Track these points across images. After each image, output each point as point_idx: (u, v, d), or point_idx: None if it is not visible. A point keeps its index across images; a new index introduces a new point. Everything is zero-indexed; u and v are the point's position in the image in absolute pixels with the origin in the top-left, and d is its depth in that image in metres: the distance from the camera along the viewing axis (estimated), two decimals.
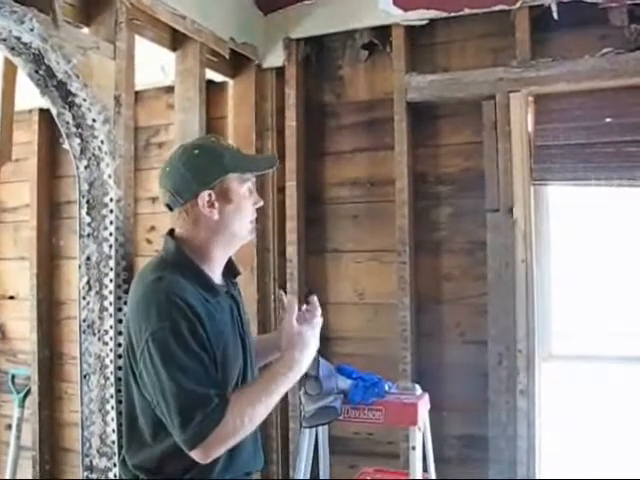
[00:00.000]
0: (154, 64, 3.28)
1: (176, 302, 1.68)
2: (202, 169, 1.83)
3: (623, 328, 3.03)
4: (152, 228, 3.73)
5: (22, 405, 4.11)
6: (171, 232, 1.92)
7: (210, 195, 1.82)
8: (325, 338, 3.33)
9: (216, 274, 1.91)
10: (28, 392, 4.10)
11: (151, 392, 1.70)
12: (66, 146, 2.46)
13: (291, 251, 3.37)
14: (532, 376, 2.97)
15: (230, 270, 2.00)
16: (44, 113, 3.98)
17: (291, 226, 3.37)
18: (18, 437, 4.08)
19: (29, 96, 2.91)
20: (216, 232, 1.86)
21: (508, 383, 2.98)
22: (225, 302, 1.88)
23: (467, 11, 3.09)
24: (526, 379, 2.97)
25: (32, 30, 2.10)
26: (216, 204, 1.83)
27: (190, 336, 1.66)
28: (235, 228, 1.88)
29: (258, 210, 1.98)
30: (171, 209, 1.88)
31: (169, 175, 1.85)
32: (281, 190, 3.44)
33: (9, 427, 4.15)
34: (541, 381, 3.03)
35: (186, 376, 1.64)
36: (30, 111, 4.09)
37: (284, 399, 3.32)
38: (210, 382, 1.66)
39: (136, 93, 2.81)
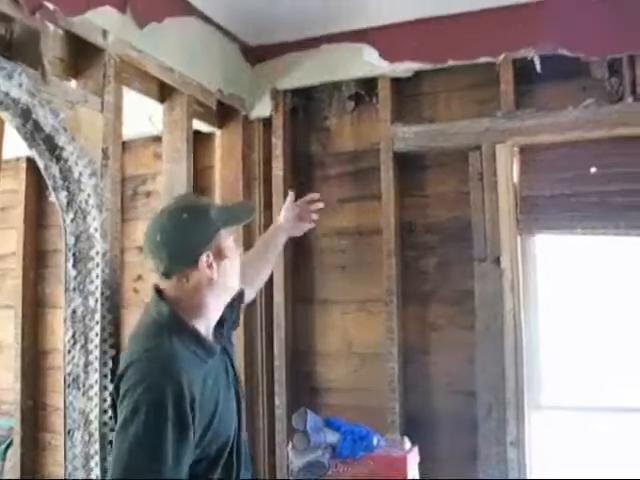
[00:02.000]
0: (141, 114, 3.29)
1: (168, 378, 1.65)
2: (196, 232, 1.80)
3: (612, 378, 3.01)
4: (139, 277, 3.71)
5: (3, 457, 4.04)
6: (158, 292, 1.86)
7: (209, 256, 1.80)
8: (312, 389, 3.35)
9: (210, 330, 1.89)
10: (10, 444, 4.03)
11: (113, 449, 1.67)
12: (53, 199, 2.45)
13: (278, 300, 3.36)
14: (522, 427, 2.95)
15: (219, 322, 1.97)
16: (32, 162, 3.97)
17: (278, 275, 3.35)
18: None
19: (17, 144, 2.91)
20: (213, 290, 1.83)
21: (498, 434, 2.96)
22: (220, 360, 1.88)
23: (452, 63, 3.12)
24: (516, 430, 2.95)
25: (21, 85, 2.11)
26: (214, 264, 1.81)
27: (173, 418, 1.61)
28: (230, 282, 1.89)
29: None
30: (167, 277, 1.82)
31: (162, 243, 1.78)
32: None
33: None
34: (531, 432, 3.01)
35: (148, 457, 1.59)
36: (18, 159, 4.10)
37: (272, 453, 3.29)
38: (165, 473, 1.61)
39: (123, 143, 2.81)
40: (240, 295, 2.06)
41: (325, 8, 3.10)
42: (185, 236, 1.79)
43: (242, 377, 2.86)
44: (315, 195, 2.64)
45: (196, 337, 1.79)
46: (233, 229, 1.92)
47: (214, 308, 1.88)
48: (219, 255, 1.83)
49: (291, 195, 2.59)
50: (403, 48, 3.19)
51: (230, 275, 1.87)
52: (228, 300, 1.94)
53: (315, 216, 2.62)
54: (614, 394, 2.99)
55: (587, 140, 2.95)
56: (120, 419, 1.65)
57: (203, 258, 1.79)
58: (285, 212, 2.58)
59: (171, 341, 1.73)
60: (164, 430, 1.60)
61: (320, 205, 2.61)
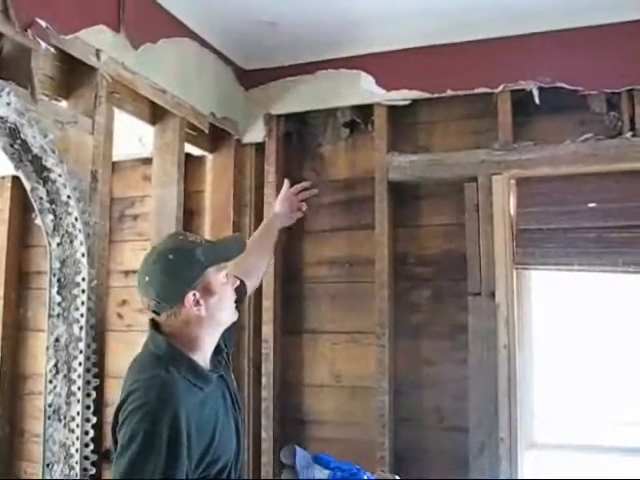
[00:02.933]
0: (131, 135, 3.23)
1: (164, 406, 1.72)
2: (181, 272, 1.86)
3: (608, 416, 2.97)
4: (124, 302, 3.63)
5: None
6: (155, 325, 1.93)
7: (195, 295, 1.86)
8: (301, 421, 3.27)
9: (207, 360, 1.96)
10: None
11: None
12: (38, 222, 2.37)
13: (267, 331, 3.28)
14: (515, 465, 2.88)
15: (215, 349, 2.03)
16: (17, 180, 3.89)
17: (267, 305, 3.28)
18: None
19: (2, 163, 2.84)
20: (203, 326, 1.91)
21: (490, 472, 2.89)
22: (217, 387, 1.96)
23: (450, 92, 3.09)
24: (508, 468, 2.87)
25: (9, 104, 2.04)
26: (201, 301, 1.87)
27: (167, 446, 1.68)
28: (222, 316, 1.95)
29: None
30: (158, 314, 1.90)
31: (150, 284, 1.86)
32: None
33: None
34: (524, 470, 2.94)
35: None
36: (3, 177, 4.02)
37: None
38: None
39: (112, 164, 2.74)
40: (240, 292, 2.18)
41: (322, 34, 3.08)
42: (171, 277, 1.86)
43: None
44: (306, 183, 2.95)
45: (193, 368, 1.87)
46: (222, 265, 1.95)
47: (207, 341, 1.95)
48: (207, 292, 1.89)
49: (286, 184, 2.86)
50: (400, 76, 3.15)
51: (221, 309, 1.94)
52: (222, 331, 2.00)
53: (305, 206, 2.93)
54: (610, 432, 2.95)
55: (585, 174, 2.92)
56: (118, 447, 1.73)
57: (189, 297, 1.85)
58: (280, 202, 2.84)
59: (168, 371, 1.81)
60: (158, 459, 1.67)
61: (314, 191, 2.96)
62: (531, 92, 2.98)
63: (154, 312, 1.90)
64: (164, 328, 1.91)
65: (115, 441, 1.81)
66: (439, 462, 3.05)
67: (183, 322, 1.88)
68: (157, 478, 1.65)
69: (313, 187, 3.04)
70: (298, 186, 2.92)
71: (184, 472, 1.72)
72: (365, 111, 3.28)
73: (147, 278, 1.87)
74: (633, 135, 2.86)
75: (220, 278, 1.92)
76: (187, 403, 1.77)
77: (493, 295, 2.94)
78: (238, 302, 2.08)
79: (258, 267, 2.65)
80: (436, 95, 3.11)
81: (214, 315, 1.91)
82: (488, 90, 3.03)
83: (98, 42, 2.42)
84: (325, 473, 2.50)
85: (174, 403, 1.73)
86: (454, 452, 3.01)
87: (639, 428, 2.93)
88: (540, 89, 2.97)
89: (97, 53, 2.41)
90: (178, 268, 1.86)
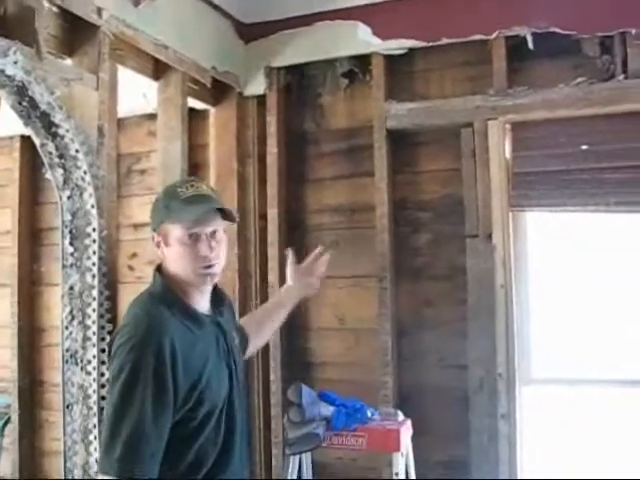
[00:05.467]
0: (136, 91, 3.30)
1: (151, 339, 1.79)
2: (154, 213, 1.99)
3: (602, 351, 3.06)
4: (134, 255, 3.75)
5: (1, 434, 4.08)
6: (158, 267, 2.01)
7: (154, 237, 1.97)
8: (307, 363, 3.39)
9: (201, 305, 2.00)
10: (8, 420, 4.07)
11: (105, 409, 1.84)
12: (49, 176, 2.47)
13: (272, 277, 3.39)
14: (513, 400, 3.00)
15: (217, 299, 2.08)
16: (26, 140, 3.99)
17: (272, 252, 3.39)
18: None
19: (10, 123, 2.93)
20: (172, 271, 1.96)
21: (489, 407, 3.01)
22: (211, 332, 1.98)
23: (445, 40, 3.14)
24: (507, 403, 2.99)
25: (16, 63, 2.12)
26: (161, 245, 1.96)
27: (153, 377, 1.76)
28: (179, 271, 1.95)
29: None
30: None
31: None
32: (263, 216, 3.46)
33: None
34: (522, 405, 3.06)
35: (129, 414, 1.73)
36: (11, 138, 4.10)
37: (267, 427, 3.34)
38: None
39: (118, 121, 2.82)
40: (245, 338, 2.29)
41: None
42: (151, 212, 2.01)
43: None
44: (316, 251, 2.55)
45: (184, 308, 1.93)
46: (189, 226, 1.92)
47: (187, 287, 1.96)
48: (164, 241, 1.96)
49: (290, 255, 2.54)
50: (396, 25, 3.20)
51: (176, 264, 1.95)
52: (196, 287, 1.98)
53: (323, 268, 2.55)
54: (605, 367, 3.04)
55: (579, 117, 2.98)
56: (110, 379, 1.82)
57: (154, 236, 1.97)
58: (290, 272, 2.55)
59: (159, 308, 1.88)
60: (145, 388, 1.75)
61: (326, 257, 2.53)
62: (525, 38, 3.02)
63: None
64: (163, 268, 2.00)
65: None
66: (440, 398, 3.18)
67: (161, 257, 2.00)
68: (145, 407, 1.73)
69: (314, 137, 3.10)
70: (309, 259, 2.56)
71: (171, 401, 1.79)
72: (363, 61, 3.34)
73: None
74: (625, 77, 2.91)
75: (179, 235, 1.92)
76: (175, 338, 1.82)
77: (490, 237, 3.04)
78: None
79: (263, 335, 2.54)
80: (432, 43, 3.17)
81: (170, 265, 1.96)
82: (483, 37, 3.08)
83: (100, 0, 2.49)
84: (330, 409, 2.62)
85: (159, 336, 1.79)
86: (454, 389, 3.13)
87: (634, 362, 3.02)
88: (534, 34, 3.01)
89: (99, 11, 2.48)
90: (154, 208, 1.99)
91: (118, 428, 1.73)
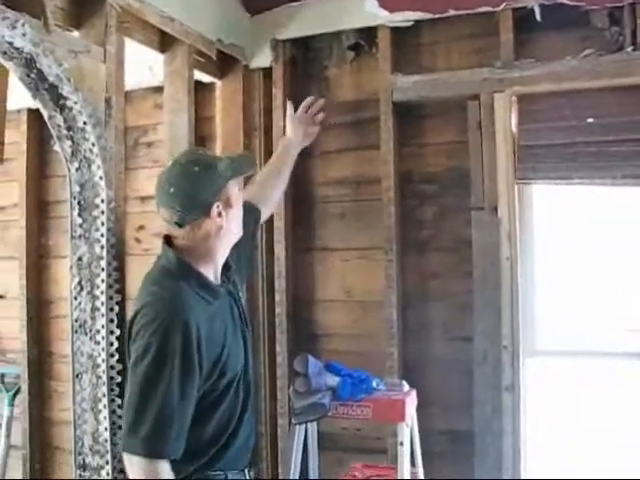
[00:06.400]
0: (142, 64, 3.30)
1: (176, 320, 1.79)
2: (207, 184, 1.92)
3: (607, 323, 3.08)
4: (141, 227, 3.77)
5: (12, 404, 4.14)
6: (167, 241, 2.00)
7: (218, 206, 1.93)
8: (313, 335, 3.42)
9: (217, 276, 2.03)
10: (18, 391, 4.12)
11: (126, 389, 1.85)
12: (57, 148, 2.48)
13: (279, 249, 3.41)
14: (517, 372, 3.02)
15: (225, 265, 2.10)
16: (33, 113, 4.00)
17: (279, 224, 3.40)
18: (8, 436, 4.11)
19: (18, 96, 2.93)
20: (221, 237, 1.98)
21: (493, 379, 3.03)
22: (226, 302, 2.03)
23: (452, 12, 3.12)
24: (511, 375, 3.01)
25: (24, 35, 2.13)
26: (223, 213, 1.95)
27: (179, 358, 1.77)
28: (236, 229, 2.03)
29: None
30: (180, 226, 1.95)
31: (175, 195, 1.91)
32: None
33: None
34: (526, 377, 3.07)
35: (157, 394, 1.75)
36: (19, 111, 4.10)
37: (273, 398, 3.38)
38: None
39: (125, 93, 2.83)
40: (256, 220, 2.40)
41: None
42: (197, 188, 1.91)
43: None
44: (309, 99, 3.01)
45: (202, 281, 1.94)
46: (238, 179, 2.04)
47: (221, 253, 2.03)
48: (227, 204, 1.96)
49: (290, 106, 2.86)
50: None
51: (236, 222, 2.02)
52: (233, 244, 2.07)
53: (320, 116, 2.99)
54: (609, 339, 3.06)
55: (586, 90, 2.95)
56: (132, 358, 1.82)
57: (214, 208, 1.93)
58: (290, 125, 2.83)
59: (178, 285, 1.88)
60: (172, 369, 1.75)
61: (321, 102, 2.99)
62: (532, 9, 2.99)
63: (177, 224, 1.94)
64: (178, 242, 1.98)
65: (129, 353, 1.90)
66: (445, 370, 3.20)
67: (203, 234, 1.95)
68: (172, 387, 1.74)
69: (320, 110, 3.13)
70: (304, 105, 2.98)
71: (197, 381, 1.81)
72: (369, 33, 3.32)
73: (172, 189, 1.91)
74: (634, 49, 2.87)
75: (237, 191, 2.01)
76: (197, 315, 1.83)
77: (495, 209, 3.04)
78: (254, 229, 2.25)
79: (273, 195, 2.73)
80: (438, 15, 3.14)
81: (231, 228, 1.99)
82: (490, 9, 3.05)
83: None
84: (336, 380, 2.64)
85: (185, 314, 1.80)
86: (459, 361, 3.15)
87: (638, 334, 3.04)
88: (541, 6, 2.98)
89: None
90: (204, 179, 1.92)
91: (144, 408, 1.74)
